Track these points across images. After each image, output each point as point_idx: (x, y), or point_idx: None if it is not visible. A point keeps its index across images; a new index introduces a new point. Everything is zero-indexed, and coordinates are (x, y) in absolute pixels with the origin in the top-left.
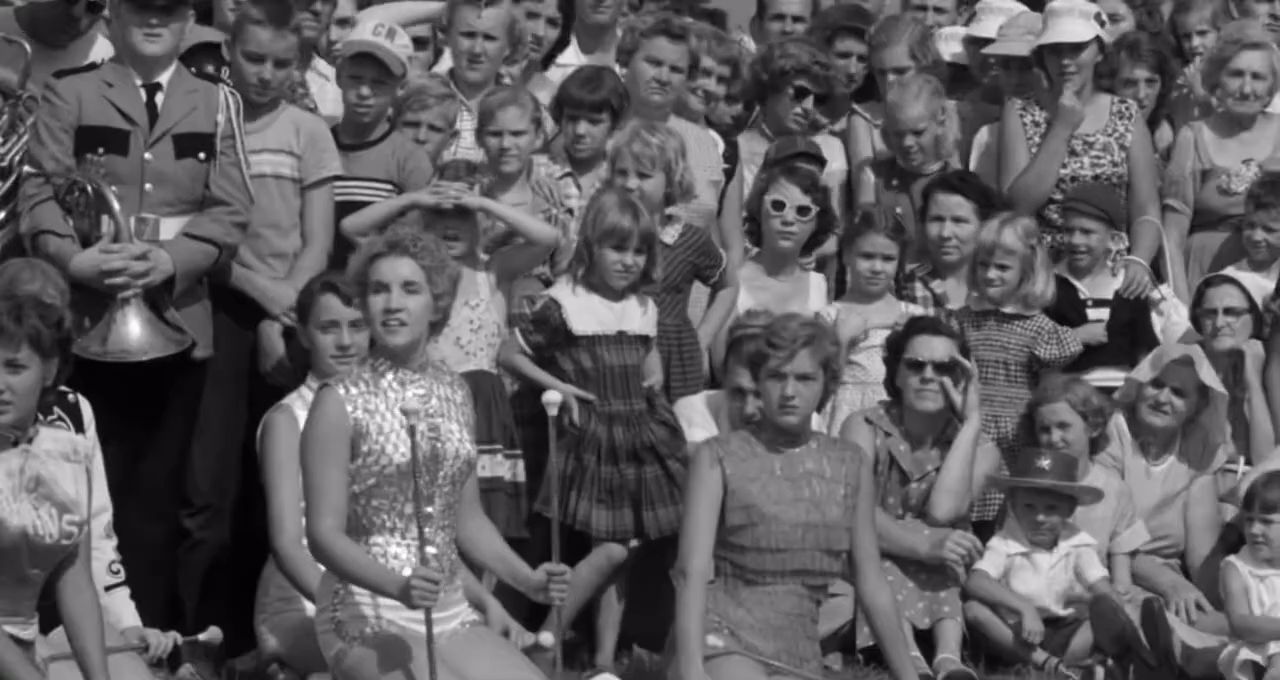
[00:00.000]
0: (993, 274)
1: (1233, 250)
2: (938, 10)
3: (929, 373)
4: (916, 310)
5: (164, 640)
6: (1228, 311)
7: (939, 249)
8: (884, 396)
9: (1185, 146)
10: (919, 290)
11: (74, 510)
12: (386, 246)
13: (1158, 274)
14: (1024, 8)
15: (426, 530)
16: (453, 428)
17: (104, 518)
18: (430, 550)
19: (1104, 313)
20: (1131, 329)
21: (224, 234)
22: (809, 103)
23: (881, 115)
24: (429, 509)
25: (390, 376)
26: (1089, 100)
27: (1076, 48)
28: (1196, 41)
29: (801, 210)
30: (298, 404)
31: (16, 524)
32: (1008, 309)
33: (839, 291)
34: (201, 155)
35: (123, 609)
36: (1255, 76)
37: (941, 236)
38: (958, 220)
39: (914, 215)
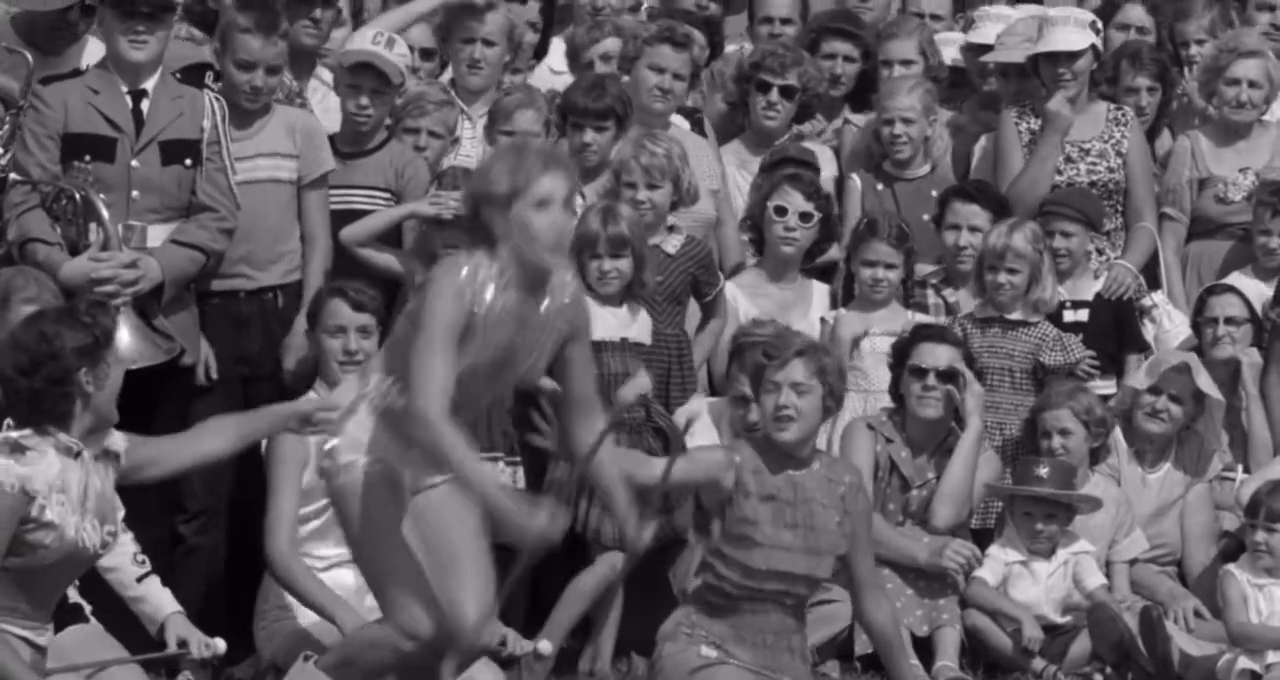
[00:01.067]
0: (1002, 278)
1: (1235, 258)
2: (934, 18)
3: (932, 380)
4: (925, 318)
5: (213, 643)
6: (1228, 321)
7: (954, 257)
8: (886, 404)
9: (1182, 155)
10: (931, 297)
11: (111, 520)
12: (547, 164)
13: (1154, 281)
14: (1021, 14)
15: (465, 419)
16: (539, 345)
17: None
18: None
19: (1082, 315)
20: (1117, 333)
21: (211, 240)
22: (774, 95)
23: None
24: (480, 401)
25: (507, 279)
26: (1085, 108)
27: (1071, 56)
28: (1195, 50)
29: (804, 217)
30: None
31: (72, 537)
32: (1013, 315)
33: (847, 299)
34: (188, 162)
35: (161, 597)
36: (1251, 85)
37: (957, 245)
38: (974, 229)
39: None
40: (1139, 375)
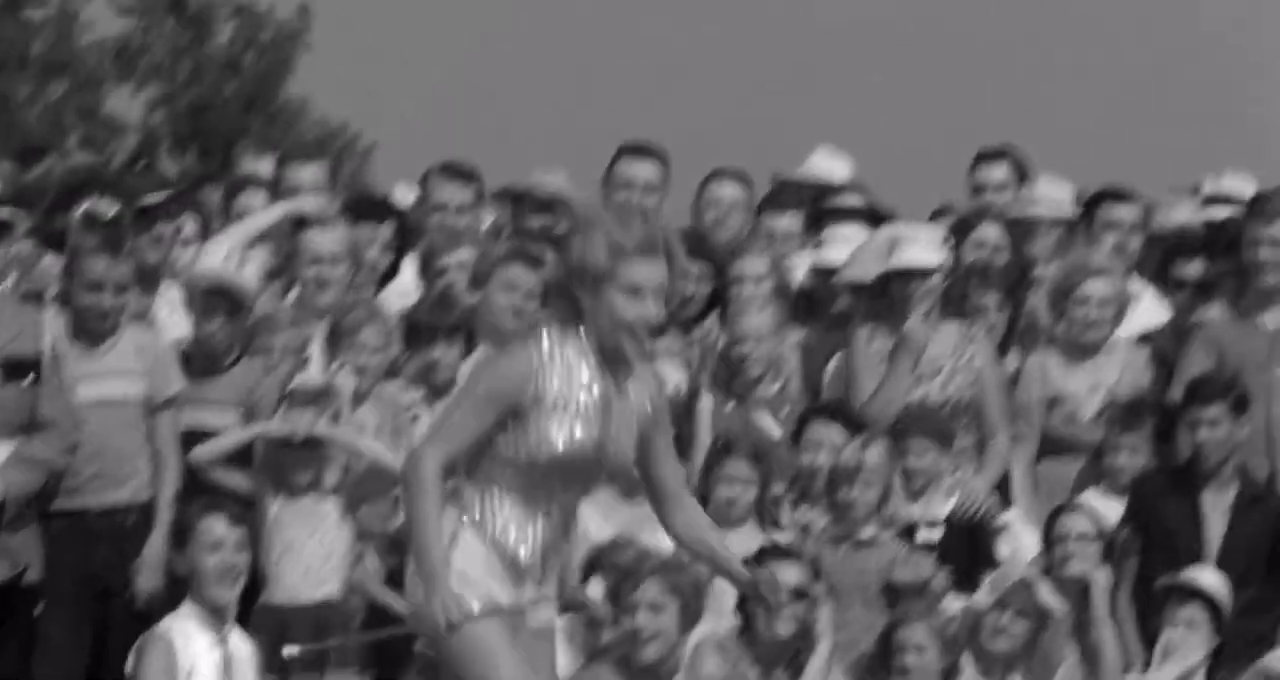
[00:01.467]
0: (855, 495)
1: (1085, 477)
2: (785, 238)
3: (781, 599)
4: (781, 537)
5: None
6: (1079, 538)
7: (810, 477)
8: (735, 622)
9: (1033, 373)
10: (786, 516)
11: None
12: (643, 248)
13: (1006, 500)
14: (870, 232)
15: (552, 511)
16: (623, 434)
17: None
18: (544, 532)
19: (936, 534)
20: (971, 552)
21: (53, 457)
22: None
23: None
24: (562, 495)
25: (589, 361)
26: (936, 325)
27: (923, 274)
28: (1041, 269)
29: None
30: (174, 631)
31: None
32: (865, 533)
33: None
34: (29, 379)
35: None
36: (1100, 304)
37: (815, 465)
38: (833, 449)
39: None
40: (982, 593)
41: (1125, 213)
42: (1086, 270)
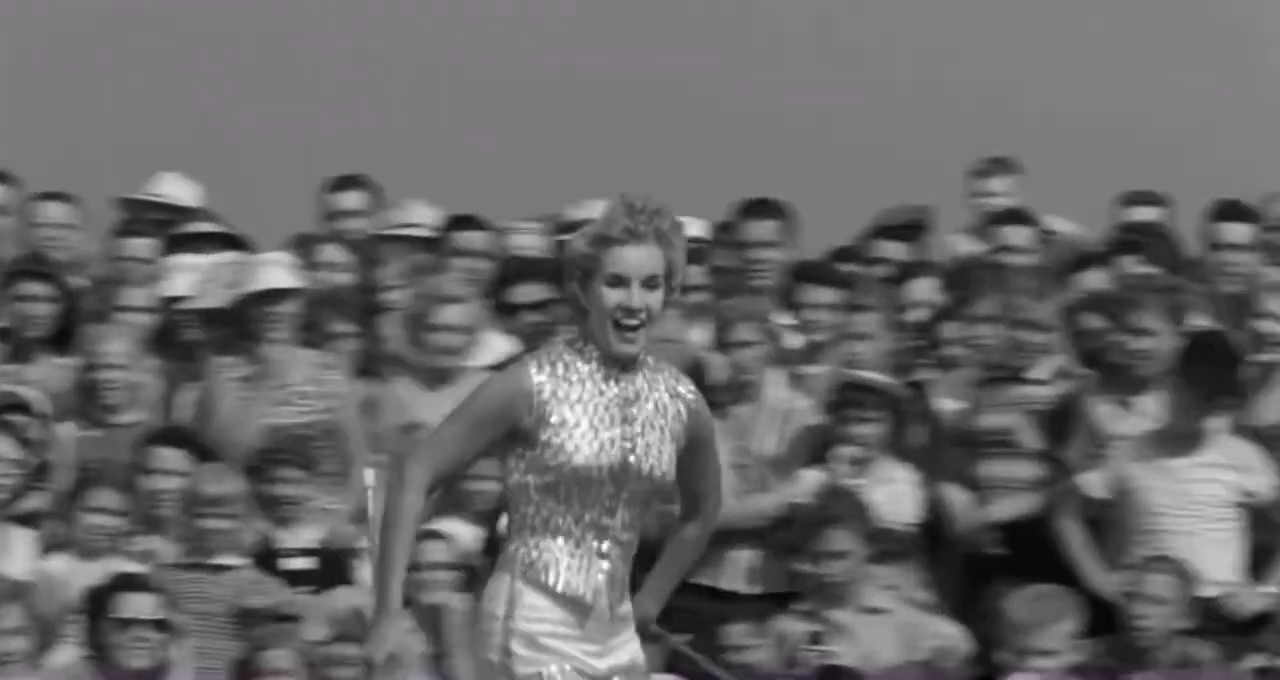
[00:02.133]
0: (211, 524)
1: (443, 503)
2: (142, 261)
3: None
4: (130, 566)
5: None
6: (435, 566)
7: (152, 502)
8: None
9: (387, 400)
10: (137, 544)
11: None
12: (626, 235)
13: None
14: (214, 259)
15: (604, 545)
16: (652, 441)
17: None
18: (603, 566)
19: (308, 562)
20: (337, 578)
21: None
22: None
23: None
24: (607, 520)
25: (594, 366)
26: (293, 351)
27: (279, 296)
28: (391, 295)
29: (14, 463)
30: None
31: None
32: (219, 559)
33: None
34: None
35: None
36: (454, 330)
37: (164, 490)
38: (175, 474)
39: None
40: (315, 627)
41: (477, 240)
42: (438, 297)
